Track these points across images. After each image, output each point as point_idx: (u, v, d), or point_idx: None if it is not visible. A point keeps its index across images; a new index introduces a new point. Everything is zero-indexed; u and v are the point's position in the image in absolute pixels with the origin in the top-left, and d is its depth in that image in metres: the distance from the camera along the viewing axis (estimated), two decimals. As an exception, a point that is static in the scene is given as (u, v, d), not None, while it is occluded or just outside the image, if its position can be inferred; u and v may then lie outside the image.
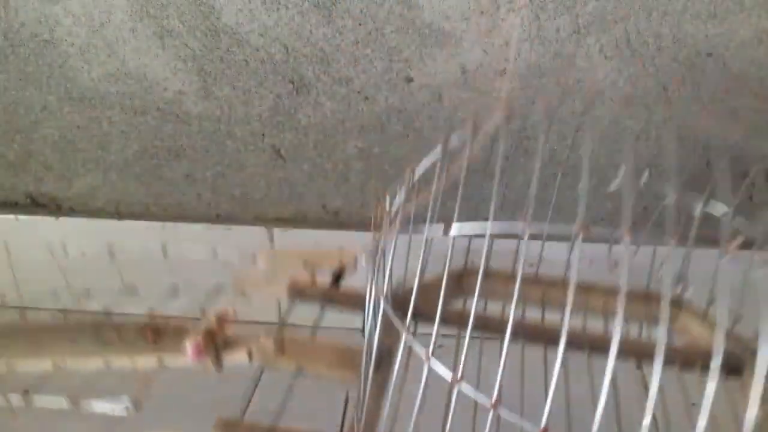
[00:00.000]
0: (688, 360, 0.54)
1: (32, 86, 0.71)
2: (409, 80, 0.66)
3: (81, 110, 0.72)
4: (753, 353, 0.57)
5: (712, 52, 0.62)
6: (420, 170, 0.44)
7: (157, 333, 0.53)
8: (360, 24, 0.64)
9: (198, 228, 0.76)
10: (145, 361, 0.53)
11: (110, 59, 0.69)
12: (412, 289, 0.42)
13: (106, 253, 0.79)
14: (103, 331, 0.56)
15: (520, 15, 0.62)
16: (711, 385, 0.30)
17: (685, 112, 0.65)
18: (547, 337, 0.53)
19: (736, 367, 0.60)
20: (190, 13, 0.65)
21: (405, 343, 0.38)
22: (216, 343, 0.50)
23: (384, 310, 0.41)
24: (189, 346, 0.49)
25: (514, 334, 0.40)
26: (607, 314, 0.58)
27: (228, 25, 0.65)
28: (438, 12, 0.62)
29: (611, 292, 0.58)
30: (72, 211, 0.79)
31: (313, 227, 0.75)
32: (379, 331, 0.42)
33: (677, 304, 0.61)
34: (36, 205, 0.79)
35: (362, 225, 0.76)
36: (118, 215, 0.78)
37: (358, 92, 0.67)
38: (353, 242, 0.74)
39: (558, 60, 0.64)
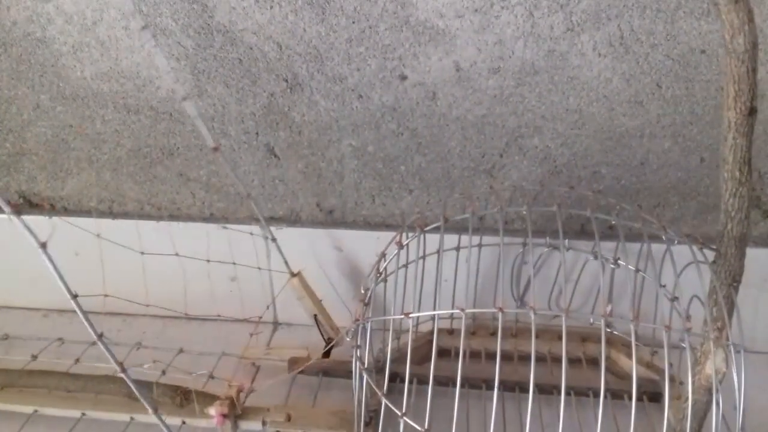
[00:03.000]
0: (617, 392, 0.65)
1: (24, 85, 0.71)
2: (403, 78, 0.66)
3: (74, 109, 0.72)
4: (671, 380, 0.64)
5: (705, 49, 0.62)
6: (388, 259, 0.57)
7: (187, 398, 0.60)
8: (354, 22, 0.64)
9: (192, 227, 0.76)
10: (170, 420, 0.59)
11: (103, 58, 0.68)
12: (392, 352, 0.55)
13: (99, 252, 0.79)
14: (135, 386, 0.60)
15: (514, 12, 0.62)
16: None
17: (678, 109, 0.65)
18: (494, 385, 0.61)
19: (656, 394, 0.66)
20: (183, 12, 0.65)
21: (383, 404, 0.52)
22: (235, 411, 0.59)
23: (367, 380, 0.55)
24: (216, 411, 0.57)
25: (477, 386, 0.65)
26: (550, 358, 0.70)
27: (221, 23, 0.65)
28: (432, 10, 0.62)
29: (557, 337, 0.71)
30: (65, 211, 0.79)
31: (308, 226, 0.75)
32: (365, 395, 0.56)
33: (608, 341, 0.71)
34: (29, 204, 0.79)
35: (356, 224, 0.76)
36: (112, 214, 0.78)
37: (352, 90, 0.67)
38: (347, 241, 0.74)
39: (552, 57, 0.64)
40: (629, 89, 0.64)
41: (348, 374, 0.67)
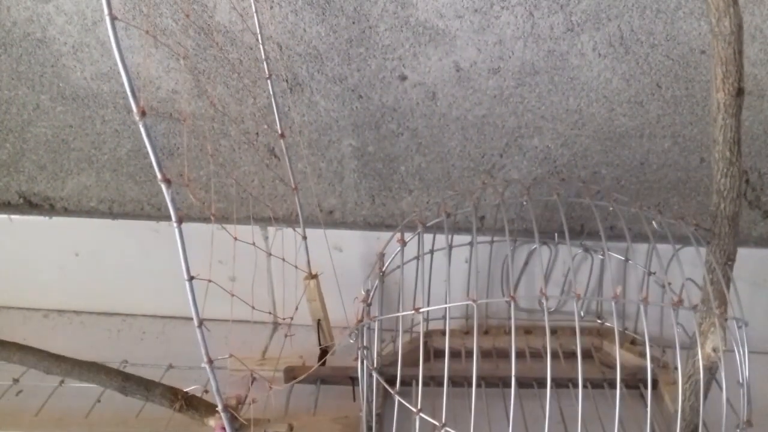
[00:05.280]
0: (613, 381, 0.64)
1: (25, 85, 0.71)
2: (403, 78, 0.66)
3: (74, 109, 0.72)
4: (665, 366, 0.65)
5: (705, 49, 0.62)
6: (389, 258, 0.57)
7: (188, 403, 0.58)
8: (354, 22, 0.64)
9: (192, 227, 0.76)
10: None
11: (103, 58, 0.68)
12: (389, 355, 0.57)
13: (99, 252, 0.79)
14: (130, 382, 0.59)
15: (514, 13, 0.62)
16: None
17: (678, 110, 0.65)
18: (502, 381, 0.66)
19: (652, 381, 0.64)
20: (183, 12, 0.65)
21: (397, 403, 0.50)
22: (236, 423, 0.57)
23: (376, 380, 0.54)
24: (216, 423, 0.56)
25: (477, 384, 0.59)
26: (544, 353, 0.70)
27: (221, 23, 0.65)
28: (432, 10, 0.62)
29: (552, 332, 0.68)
30: (65, 211, 0.79)
31: (308, 226, 0.75)
32: (375, 398, 0.55)
33: (600, 333, 0.72)
34: (29, 205, 0.79)
35: (356, 224, 0.76)
36: (112, 215, 0.78)
37: (352, 90, 0.67)
38: (347, 241, 0.74)
39: (551, 58, 0.64)
40: (629, 89, 0.65)
41: (346, 380, 0.67)
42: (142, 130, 0.40)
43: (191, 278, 0.45)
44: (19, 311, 0.82)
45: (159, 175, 0.41)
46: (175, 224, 0.43)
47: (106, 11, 0.36)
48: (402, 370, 0.61)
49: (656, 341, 0.67)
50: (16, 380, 0.67)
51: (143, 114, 0.39)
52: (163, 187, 0.42)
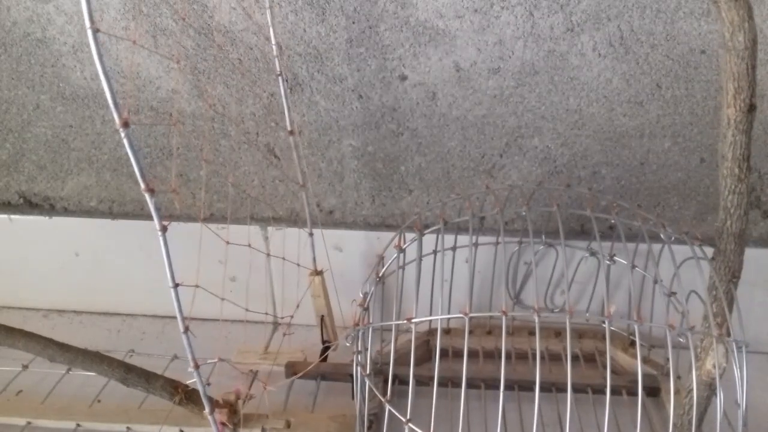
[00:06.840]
0: (614, 387, 0.64)
1: (25, 85, 0.71)
2: (403, 78, 0.66)
3: (74, 109, 0.72)
4: (666, 374, 0.65)
5: (705, 49, 0.62)
6: (387, 262, 0.57)
7: (188, 397, 0.59)
8: (354, 22, 0.64)
9: (190, 227, 0.76)
10: (166, 429, 0.60)
11: (103, 58, 0.68)
12: (388, 355, 0.56)
13: (99, 252, 0.79)
14: (132, 374, 0.60)
15: (514, 13, 0.62)
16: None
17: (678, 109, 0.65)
18: (492, 384, 0.65)
19: (654, 388, 0.67)
20: (183, 12, 0.65)
21: (387, 409, 0.50)
22: (235, 418, 0.58)
23: (369, 385, 0.53)
24: (217, 417, 0.56)
25: (476, 385, 0.65)
26: (547, 355, 0.71)
27: (221, 23, 0.65)
28: (432, 10, 0.62)
29: (553, 334, 0.72)
30: (65, 211, 0.79)
31: (307, 226, 0.75)
32: (367, 400, 0.55)
33: (605, 337, 0.69)
34: (29, 205, 0.79)
35: (356, 224, 0.75)
36: (112, 215, 0.78)
37: (352, 90, 0.67)
38: (347, 241, 0.74)
39: (552, 58, 0.64)
40: (629, 89, 0.65)
41: (346, 378, 0.67)
42: (125, 141, 0.39)
43: (176, 285, 0.45)
44: (19, 311, 0.82)
45: (142, 185, 0.41)
46: (159, 232, 0.43)
47: (87, 24, 0.36)
48: (401, 369, 0.61)
49: (662, 342, 0.67)
50: (25, 366, 0.68)
51: (126, 125, 0.39)
52: (147, 196, 0.42)
